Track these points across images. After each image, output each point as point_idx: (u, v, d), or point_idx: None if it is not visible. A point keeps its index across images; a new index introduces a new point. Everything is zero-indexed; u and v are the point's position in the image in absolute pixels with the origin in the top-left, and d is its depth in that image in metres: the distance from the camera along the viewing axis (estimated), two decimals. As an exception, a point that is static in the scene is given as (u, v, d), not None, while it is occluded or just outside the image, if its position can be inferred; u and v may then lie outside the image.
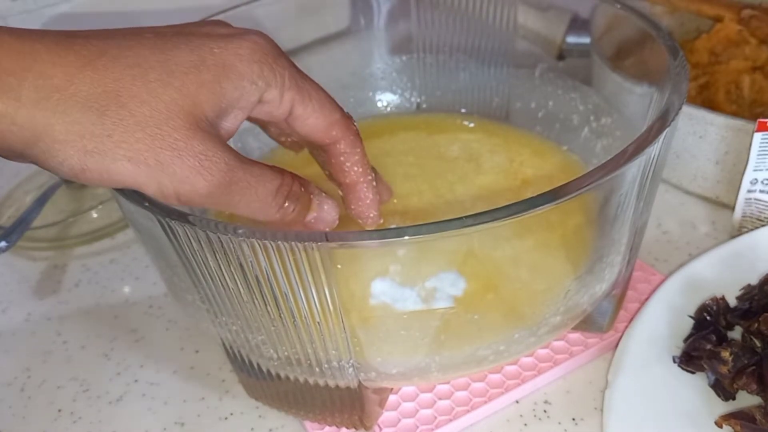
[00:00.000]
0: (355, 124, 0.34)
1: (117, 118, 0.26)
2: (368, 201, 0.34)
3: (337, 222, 0.33)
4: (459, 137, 0.37)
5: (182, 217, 0.28)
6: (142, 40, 0.28)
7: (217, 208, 0.29)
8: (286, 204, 0.30)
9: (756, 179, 0.44)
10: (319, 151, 0.34)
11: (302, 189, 0.31)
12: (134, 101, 0.27)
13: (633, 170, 0.31)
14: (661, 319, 0.41)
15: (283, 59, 0.31)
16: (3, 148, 0.27)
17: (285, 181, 0.30)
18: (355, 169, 0.34)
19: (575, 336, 0.41)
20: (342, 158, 0.33)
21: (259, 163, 0.29)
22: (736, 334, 0.40)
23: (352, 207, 0.35)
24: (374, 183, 0.34)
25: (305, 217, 0.32)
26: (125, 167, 0.27)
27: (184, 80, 0.28)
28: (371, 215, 0.35)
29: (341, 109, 0.33)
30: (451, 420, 0.37)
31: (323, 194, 0.32)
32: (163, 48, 0.28)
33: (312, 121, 0.32)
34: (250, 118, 0.32)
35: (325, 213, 0.32)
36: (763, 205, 0.46)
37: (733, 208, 0.47)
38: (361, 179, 0.34)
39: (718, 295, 0.41)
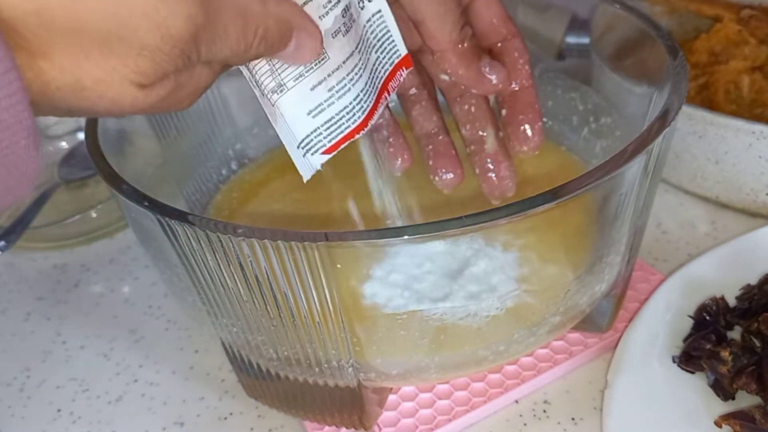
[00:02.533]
0: None
1: None
2: (537, 107, 0.34)
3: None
4: (457, 136, 0.37)
5: (182, 216, 0.28)
6: None
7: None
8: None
9: None
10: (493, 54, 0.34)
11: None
12: None
13: (633, 170, 0.31)
14: (661, 319, 0.41)
15: None
16: None
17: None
18: (527, 68, 0.34)
19: (575, 336, 0.41)
20: (516, 54, 0.33)
21: None
22: (735, 334, 0.40)
23: (521, 116, 0.34)
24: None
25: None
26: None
27: None
28: (538, 125, 0.34)
29: None
30: (450, 420, 0.37)
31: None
32: None
33: (495, 7, 0.32)
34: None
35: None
36: None
37: (733, 208, 0.47)
38: (531, 81, 0.34)
39: (718, 295, 0.41)
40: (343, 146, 0.30)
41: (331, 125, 0.30)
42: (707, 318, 0.41)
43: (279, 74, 0.28)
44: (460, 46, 0.32)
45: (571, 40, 0.59)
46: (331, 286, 0.28)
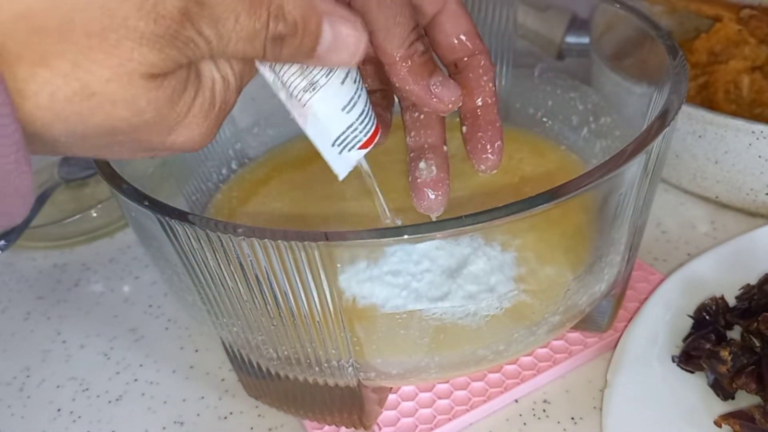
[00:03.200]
0: None
1: None
2: (498, 125, 0.33)
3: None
4: (456, 135, 0.37)
5: (182, 216, 0.28)
6: None
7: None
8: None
9: None
10: (456, 70, 0.33)
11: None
12: None
13: (632, 170, 0.31)
14: (661, 319, 0.41)
15: None
16: None
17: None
18: (490, 85, 0.33)
19: (575, 335, 0.41)
20: (481, 71, 0.33)
21: None
22: (735, 333, 0.40)
23: (480, 134, 0.33)
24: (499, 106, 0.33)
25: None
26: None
27: None
28: (497, 144, 0.33)
29: None
30: (450, 419, 0.37)
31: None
32: None
33: (462, 21, 0.32)
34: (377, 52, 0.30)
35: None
36: None
37: (732, 208, 0.47)
38: (494, 99, 0.33)
39: (718, 295, 0.41)
40: (377, 139, 0.30)
41: (364, 118, 0.29)
42: (707, 318, 0.41)
43: (310, 71, 0.26)
44: (409, 61, 0.31)
45: (571, 39, 0.59)
46: (332, 286, 0.28)
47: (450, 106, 0.32)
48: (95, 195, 0.59)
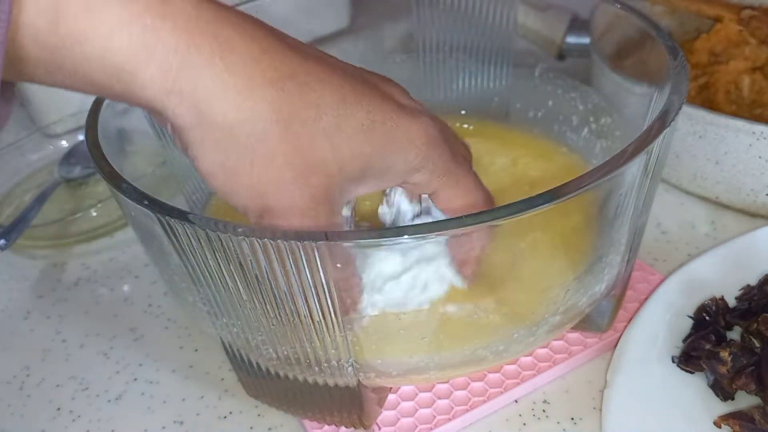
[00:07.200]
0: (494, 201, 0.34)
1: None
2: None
3: None
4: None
5: (182, 215, 0.28)
6: (333, 77, 0.28)
7: None
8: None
9: None
10: None
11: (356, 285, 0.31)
12: (292, 144, 0.27)
13: (632, 170, 0.31)
14: (661, 319, 0.41)
15: (445, 146, 0.31)
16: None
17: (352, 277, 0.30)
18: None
19: (574, 336, 0.41)
20: None
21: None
22: (735, 334, 0.40)
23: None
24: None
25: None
26: (244, 197, 0.28)
27: (349, 141, 0.27)
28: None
29: (486, 191, 0.33)
30: (450, 419, 0.37)
31: None
32: (345, 97, 0.28)
33: (453, 201, 0.32)
34: None
35: None
36: None
37: (732, 209, 0.47)
38: (472, 262, 0.33)
39: (718, 296, 0.41)
40: None
41: None
42: (707, 318, 0.41)
43: None
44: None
45: (572, 40, 0.59)
46: (332, 287, 0.28)
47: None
48: (95, 194, 0.59)
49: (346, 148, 0.27)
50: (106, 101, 0.36)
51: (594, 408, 0.39)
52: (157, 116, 0.27)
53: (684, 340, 0.40)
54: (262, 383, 0.38)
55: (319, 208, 0.28)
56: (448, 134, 0.32)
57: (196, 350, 0.45)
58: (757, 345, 0.38)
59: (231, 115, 0.26)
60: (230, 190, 0.28)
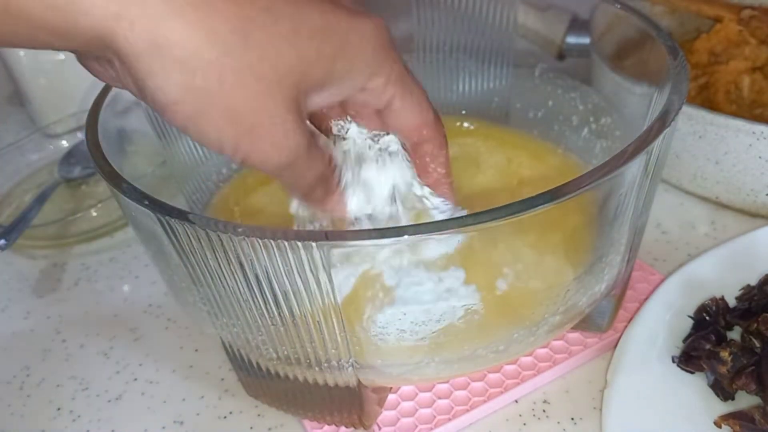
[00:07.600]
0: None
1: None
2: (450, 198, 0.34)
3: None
4: (457, 141, 0.37)
5: (182, 215, 0.28)
6: None
7: (259, 170, 0.28)
8: (318, 189, 0.30)
9: None
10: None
11: (333, 175, 0.31)
12: (257, 53, 0.25)
13: (633, 170, 0.31)
14: (661, 319, 0.41)
15: (395, 51, 0.30)
16: (85, 42, 0.24)
17: (327, 169, 0.30)
18: (439, 170, 0.33)
19: (574, 336, 0.41)
20: (427, 159, 0.33)
21: (316, 145, 0.29)
22: (735, 334, 0.40)
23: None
24: (453, 186, 0.34)
25: (325, 204, 0.31)
26: (217, 122, 0.25)
27: (307, 46, 0.26)
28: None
29: (435, 110, 0.33)
30: (450, 419, 0.37)
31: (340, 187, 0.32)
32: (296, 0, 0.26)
33: (406, 116, 0.32)
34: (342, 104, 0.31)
35: (339, 205, 0.32)
36: None
37: (732, 209, 0.47)
38: (443, 180, 0.34)
39: (718, 296, 0.41)
40: None
41: None
42: (707, 318, 0.41)
43: None
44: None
45: (572, 40, 0.59)
46: (332, 286, 0.28)
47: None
48: (95, 194, 0.59)
49: (309, 50, 0.26)
50: (107, 101, 0.36)
51: (594, 408, 0.39)
52: (101, 53, 0.25)
53: (684, 340, 0.40)
54: (262, 383, 0.38)
55: (291, 117, 0.27)
56: (395, 43, 0.31)
57: (196, 350, 0.45)
58: (757, 345, 0.38)
59: (191, 31, 0.24)
60: (200, 116, 0.25)
